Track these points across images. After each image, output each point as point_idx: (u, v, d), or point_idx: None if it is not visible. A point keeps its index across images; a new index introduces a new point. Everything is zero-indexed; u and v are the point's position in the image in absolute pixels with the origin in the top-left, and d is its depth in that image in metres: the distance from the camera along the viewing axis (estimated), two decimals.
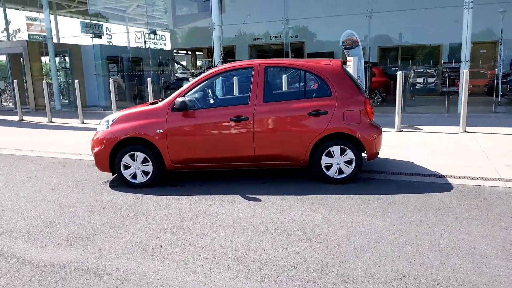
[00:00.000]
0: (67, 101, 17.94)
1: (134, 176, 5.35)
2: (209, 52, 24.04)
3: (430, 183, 5.19)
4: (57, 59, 16.39)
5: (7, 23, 16.85)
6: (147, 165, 5.30)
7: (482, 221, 3.95)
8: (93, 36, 15.57)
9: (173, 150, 5.22)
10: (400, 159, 6.36)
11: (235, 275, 3.11)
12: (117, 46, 18.53)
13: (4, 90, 17.65)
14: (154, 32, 19.57)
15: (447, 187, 4.98)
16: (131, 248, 3.63)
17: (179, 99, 5.12)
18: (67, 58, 16.75)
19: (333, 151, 5.16)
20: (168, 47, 24.09)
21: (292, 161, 5.23)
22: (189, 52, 24.50)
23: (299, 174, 5.69)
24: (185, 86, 5.36)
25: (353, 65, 9.68)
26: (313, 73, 5.21)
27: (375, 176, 5.55)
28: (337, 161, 5.18)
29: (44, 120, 12.79)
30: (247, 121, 5.10)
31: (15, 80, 12.87)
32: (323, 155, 5.17)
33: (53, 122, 12.31)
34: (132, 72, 17.63)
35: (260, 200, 4.74)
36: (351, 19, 13.78)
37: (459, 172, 5.53)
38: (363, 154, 5.26)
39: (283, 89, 5.53)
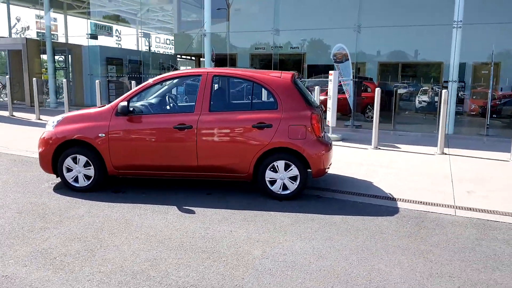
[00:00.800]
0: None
1: (76, 179, 5.24)
2: (223, 59, 24.20)
3: (377, 205, 4.96)
4: (57, 58, 16.55)
5: (10, 20, 17.13)
6: (89, 169, 5.18)
7: (411, 250, 3.72)
8: (89, 37, 15.70)
9: (115, 155, 5.10)
10: (360, 178, 6.13)
11: None
12: (117, 48, 18.67)
13: (5, 86, 17.86)
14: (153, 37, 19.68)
15: (392, 211, 4.75)
16: (34, 255, 3.50)
17: (122, 104, 5.01)
18: (68, 57, 16.88)
19: (277, 166, 4.97)
20: (172, 51, 24.23)
21: (236, 173, 5.06)
22: (193, 58, 24.55)
23: (249, 188, 5.50)
24: (131, 90, 5.26)
25: (333, 80, 9.48)
26: (262, 85, 5.06)
27: (324, 194, 5.34)
28: (282, 177, 5.00)
29: (32, 117, 12.85)
30: (190, 130, 4.95)
31: (7, 76, 12.99)
32: (267, 170, 4.99)
33: (41, 120, 12.34)
34: (131, 75, 17.69)
35: (194, 213, 4.58)
36: (347, 33, 13.57)
37: (413, 196, 5.28)
38: (310, 170, 5.07)
39: (231, 100, 5.37)
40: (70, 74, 17.01)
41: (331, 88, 9.56)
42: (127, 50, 19.00)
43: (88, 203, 4.85)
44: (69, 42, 18.31)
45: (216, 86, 5.22)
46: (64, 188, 5.34)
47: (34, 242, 3.76)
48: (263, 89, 5.07)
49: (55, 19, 22.18)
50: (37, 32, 22.42)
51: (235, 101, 5.26)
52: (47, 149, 5.22)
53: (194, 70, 5.39)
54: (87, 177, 5.21)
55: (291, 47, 20.01)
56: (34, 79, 12.44)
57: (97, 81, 11.00)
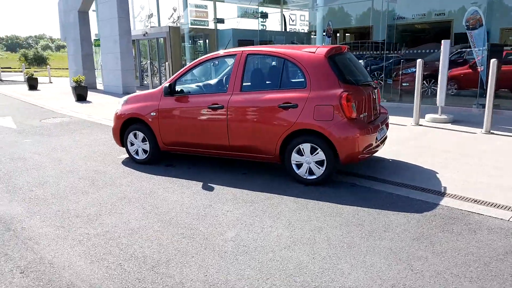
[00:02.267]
0: None
1: (137, 152, 5.91)
2: (352, 33, 23.12)
3: (414, 199, 4.23)
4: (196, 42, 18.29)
5: (159, 10, 19.57)
6: (146, 144, 5.77)
7: (396, 255, 3.12)
8: (215, 21, 16.79)
9: (163, 132, 5.55)
10: (427, 167, 5.28)
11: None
12: (248, 29, 19.50)
13: (159, 70, 20.65)
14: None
15: (426, 208, 3.99)
16: (55, 214, 4.16)
17: (165, 85, 5.39)
18: (206, 42, 18.50)
19: (303, 148, 4.68)
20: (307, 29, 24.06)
21: (264, 154, 4.96)
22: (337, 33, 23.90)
23: (285, 171, 5.32)
24: (177, 72, 5.58)
25: (443, 51, 8.12)
26: (292, 61, 4.76)
27: (362, 183, 4.80)
28: (308, 160, 4.69)
29: None
30: (222, 110, 5.04)
31: (148, 62, 15.00)
32: (293, 152, 4.74)
33: None
34: None
35: (211, 190, 4.71)
36: None
37: (475, 194, 4.31)
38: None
39: (264, 79, 5.18)
40: None
41: (441, 60, 8.23)
42: (258, 31, 19.72)
43: (137, 174, 5.44)
44: (203, 27, 19.76)
45: (250, 66, 5.13)
46: (130, 160, 6.08)
47: (65, 203, 4.43)
48: (294, 66, 4.77)
49: (205, 6, 24.34)
50: (192, 20, 25.00)
51: (268, 80, 5.07)
52: (116, 125, 6.00)
53: (232, 50, 5.38)
54: (145, 151, 5.82)
55: (435, 14, 17.67)
56: (166, 63, 14.08)
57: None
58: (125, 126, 5.93)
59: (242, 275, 2.91)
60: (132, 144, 5.93)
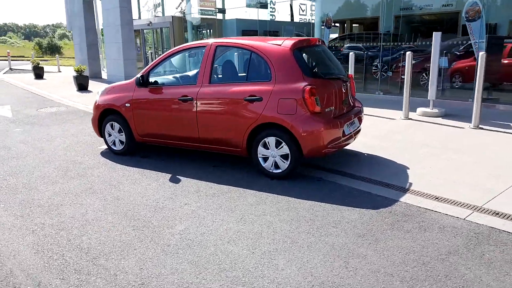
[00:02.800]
0: None
1: (114, 143, 5.97)
2: (357, 23, 22.71)
3: (375, 195, 4.18)
4: (199, 32, 18.25)
5: (163, 1, 19.56)
6: (122, 135, 5.82)
7: (335, 252, 3.10)
8: (216, 11, 16.70)
9: (137, 123, 5.58)
10: (400, 163, 5.20)
11: None
12: (252, 20, 19.33)
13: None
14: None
15: (384, 204, 3.95)
16: (21, 203, 4.24)
17: (138, 76, 5.40)
18: (208, 31, 18.44)
19: (268, 142, 4.66)
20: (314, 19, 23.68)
21: (232, 147, 4.95)
22: (337, 24, 23.54)
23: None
24: (150, 64, 5.59)
25: (434, 43, 7.92)
26: (258, 54, 4.72)
27: (328, 177, 4.76)
28: (273, 154, 4.67)
29: None
30: (191, 102, 5.04)
31: (153, 51, 15.02)
32: (259, 146, 4.72)
33: None
34: None
35: (177, 183, 4.73)
36: None
37: (440, 191, 4.22)
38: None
39: (233, 72, 5.14)
40: None
41: (433, 53, 8.04)
42: (262, 22, 19.55)
43: (111, 164, 5.50)
44: (205, 17, 19.63)
45: (219, 58, 5.10)
46: (109, 151, 6.14)
47: (32, 193, 4.51)
48: (260, 58, 4.72)
49: None
50: (200, 10, 24.90)
51: (236, 73, 5.04)
52: (94, 115, 6.06)
53: (201, 41, 5.35)
54: (122, 142, 5.87)
55: (442, 5, 17.21)
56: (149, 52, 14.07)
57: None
58: (103, 117, 5.99)
59: (177, 269, 2.93)
60: (109, 135, 5.98)
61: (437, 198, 4.04)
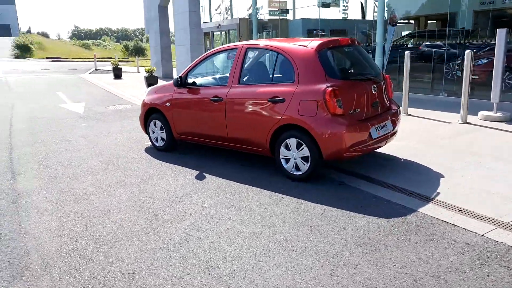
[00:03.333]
0: None
1: (157, 140, 6.33)
2: (429, 20, 21.30)
3: (394, 203, 3.97)
4: (265, 33, 18.47)
5: (231, 1, 19.99)
6: (163, 132, 6.15)
7: (323, 261, 3.01)
8: (280, 12, 16.67)
9: (176, 121, 5.87)
10: (436, 170, 4.85)
11: None
12: (317, 19, 19.05)
13: None
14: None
15: (400, 214, 3.73)
16: (60, 192, 4.70)
17: (176, 77, 5.67)
18: (273, 32, 18.57)
19: (290, 143, 4.63)
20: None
21: (257, 147, 5.00)
22: (411, 21, 22.30)
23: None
24: (189, 65, 5.83)
25: (498, 40, 7.20)
26: (284, 55, 4.71)
27: (351, 182, 4.60)
28: (294, 156, 4.63)
29: None
30: (221, 102, 5.18)
31: None
32: (281, 147, 4.72)
33: None
34: None
35: (201, 180, 4.90)
36: None
37: (463, 203, 3.90)
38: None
39: (262, 73, 5.15)
40: None
41: (496, 52, 7.33)
42: (328, 20, 19.20)
43: (150, 159, 5.85)
44: (272, 18, 19.75)
45: (248, 59, 5.17)
46: (152, 147, 6.52)
47: (73, 183, 4.95)
48: (286, 59, 4.70)
49: None
50: (269, 11, 25.16)
51: (263, 74, 5.05)
52: (141, 113, 6.48)
53: (234, 44, 5.46)
54: (163, 139, 6.21)
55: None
56: None
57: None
58: (148, 115, 6.37)
59: (167, 262, 3.07)
60: (153, 132, 6.35)
61: (461, 210, 3.72)
